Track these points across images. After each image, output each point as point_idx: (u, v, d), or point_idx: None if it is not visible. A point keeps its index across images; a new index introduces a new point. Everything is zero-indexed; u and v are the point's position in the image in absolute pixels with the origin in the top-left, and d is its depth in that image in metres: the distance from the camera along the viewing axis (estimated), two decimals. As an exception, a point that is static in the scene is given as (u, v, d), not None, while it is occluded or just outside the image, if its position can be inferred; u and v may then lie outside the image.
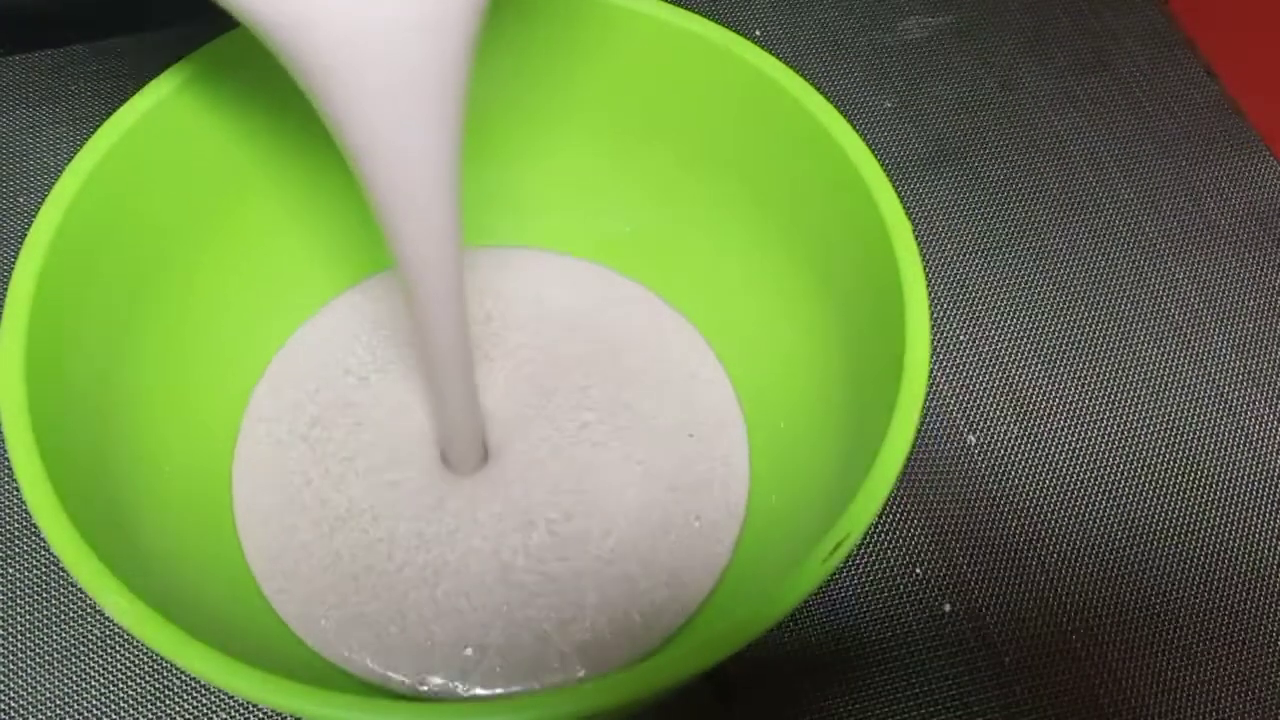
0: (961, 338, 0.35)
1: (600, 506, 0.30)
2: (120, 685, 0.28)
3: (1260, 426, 0.34)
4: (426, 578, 0.29)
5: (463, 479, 0.30)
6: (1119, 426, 0.33)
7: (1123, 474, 0.33)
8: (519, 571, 0.29)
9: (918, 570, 0.31)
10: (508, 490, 0.30)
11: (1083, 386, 0.34)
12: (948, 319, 0.35)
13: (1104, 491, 0.32)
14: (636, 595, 0.29)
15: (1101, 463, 0.33)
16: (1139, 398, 0.34)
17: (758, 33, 0.42)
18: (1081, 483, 0.32)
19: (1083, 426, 0.33)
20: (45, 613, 0.29)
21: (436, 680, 0.28)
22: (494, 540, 0.30)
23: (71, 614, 0.29)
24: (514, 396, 0.32)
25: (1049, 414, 0.33)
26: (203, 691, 0.28)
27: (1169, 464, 0.33)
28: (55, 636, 0.29)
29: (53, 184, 0.25)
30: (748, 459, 0.31)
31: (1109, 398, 0.34)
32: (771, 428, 0.32)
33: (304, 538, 0.29)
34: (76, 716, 0.28)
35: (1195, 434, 0.33)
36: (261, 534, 0.29)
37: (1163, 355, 0.35)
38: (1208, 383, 0.34)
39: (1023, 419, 0.33)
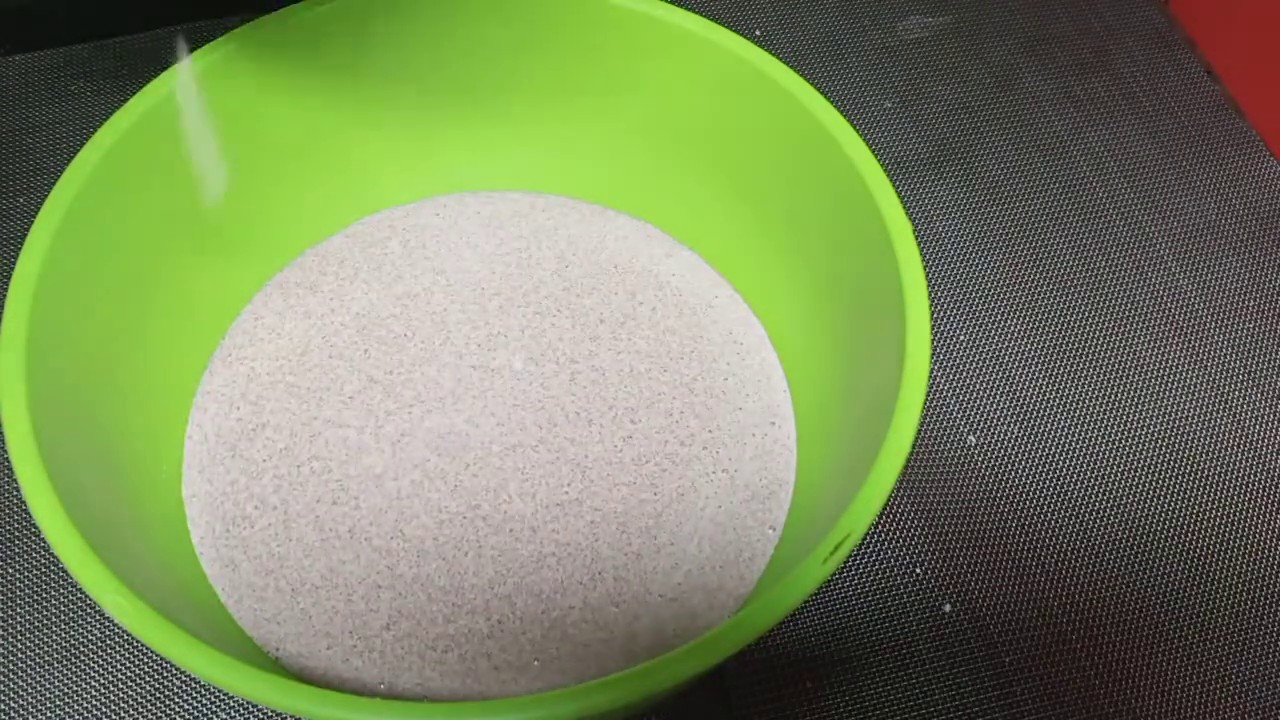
0: (961, 338, 0.35)
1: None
2: (120, 685, 0.28)
3: (1260, 426, 0.34)
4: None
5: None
6: (1119, 426, 0.33)
7: (1123, 474, 0.33)
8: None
9: (918, 570, 0.31)
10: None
11: (1083, 386, 0.34)
12: (948, 319, 0.35)
13: (1104, 491, 0.32)
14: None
15: (1101, 463, 0.33)
16: (1139, 398, 0.34)
17: (758, 33, 0.42)
18: (1081, 483, 0.32)
19: (1083, 426, 0.33)
20: (45, 613, 0.29)
21: None
22: None
23: (71, 614, 0.29)
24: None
25: (1049, 414, 0.33)
26: (203, 691, 0.28)
27: (1169, 464, 0.33)
28: (55, 637, 0.29)
29: (53, 184, 0.25)
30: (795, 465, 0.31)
31: (1109, 398, 0.34)
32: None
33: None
34: (76, 716, 0.28)
35: (1195, 434, 0.33)
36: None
37: (1163, 355, 0.35)
38: (1208, 383, 0.34)
39: (1023, 419, 0.33)
